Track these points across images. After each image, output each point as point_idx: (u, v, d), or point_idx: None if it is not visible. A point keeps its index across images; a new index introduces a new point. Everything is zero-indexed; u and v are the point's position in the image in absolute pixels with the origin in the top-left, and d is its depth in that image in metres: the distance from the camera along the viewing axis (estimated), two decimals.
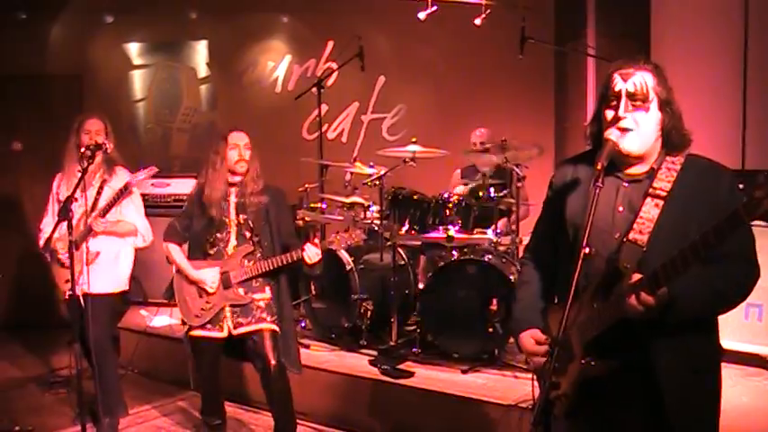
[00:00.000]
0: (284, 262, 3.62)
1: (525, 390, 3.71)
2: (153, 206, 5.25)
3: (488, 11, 5.45)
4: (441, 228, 4.50)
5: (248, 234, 3.72)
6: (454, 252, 4.61)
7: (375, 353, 4.53)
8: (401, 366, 4.29)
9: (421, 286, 4.65)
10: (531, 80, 6.21)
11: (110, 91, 7.12)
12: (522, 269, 2.33)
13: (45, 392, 4.83)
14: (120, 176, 4.01)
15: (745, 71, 5.01)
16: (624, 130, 1.94)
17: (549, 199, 2.21)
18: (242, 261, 3.69)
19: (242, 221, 3.71)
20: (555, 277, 2.16)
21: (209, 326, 3.67)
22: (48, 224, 4.03)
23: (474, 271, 4.35)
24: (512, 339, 4.10)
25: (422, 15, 5.54)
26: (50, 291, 4.13)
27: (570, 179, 2.11)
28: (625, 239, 1.94)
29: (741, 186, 1.92)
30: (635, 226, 1.94)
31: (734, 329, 4.00)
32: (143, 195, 4.22)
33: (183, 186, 5.78)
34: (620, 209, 2.00)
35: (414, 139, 4.75)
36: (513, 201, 4.68)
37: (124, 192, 3.92)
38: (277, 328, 3.68)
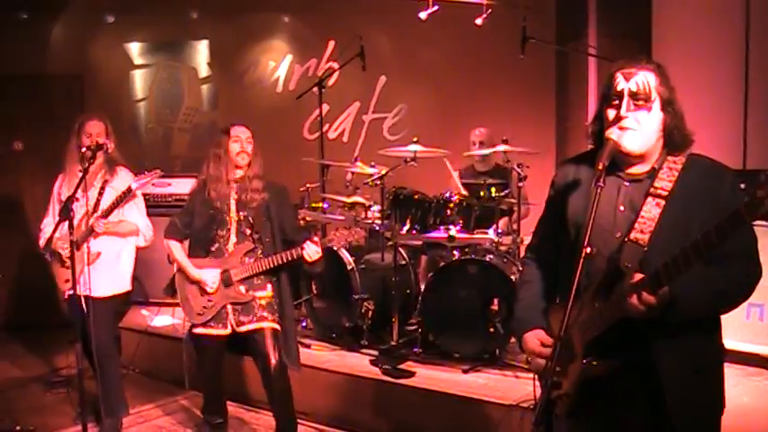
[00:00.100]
0: (284, 260, 3.63)
1: (526, 389, 3.73)
2: (154, 206, 5.25)
3: (489, 11, 5.45)
4: (442, 227, 4.50)
5: (248, 231, 3.72)
6: (455, 252, 4.61)
7: (376, 353, 4.53)
8: (402, 366, 4.29)
9: (422, 286, 4.65)
10: (533, 80, 6.22)
11: (111, 91, 7.13)
12: (524, 269, 2.33)
13: (46, 392, 4.83)
14: (122, 177, 4.01)
15: (747, 71, 5.01)
16: (626, 130, 1.94)
17: (551, 198, 2.21)
18: (242, 259, 3.69)
19: (242, 218, 3.71)
20: (557, 277, 2.16)
21: (212, 323, 3.67)
22: (48, 224, 4.04)
23: (475, 271, 4.35)
24: (513, 339, 4.11)
25: (423, 15, 5.53)
26: (51, 291, 4.13)
27: (572, 179, 2.11)
28: (626, 239, 1.94)
29: (743, 186, 1.92)
30: (636, 225, 1.94)
31: (735, 329, 4.00)
32: (144, 195, 4.21)
33: (183, 186, 5.78)
34: (622, 208, 2.00)
35: (415, 139, 4.75)
36: (514, 200, 4.68)
37: (127, 195, 3.92)
38: (278, 327, 3.68)
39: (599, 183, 1.87)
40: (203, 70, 7.26)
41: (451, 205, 4.51)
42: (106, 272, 3.94)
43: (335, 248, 4.58)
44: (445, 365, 4.33)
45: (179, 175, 6.13)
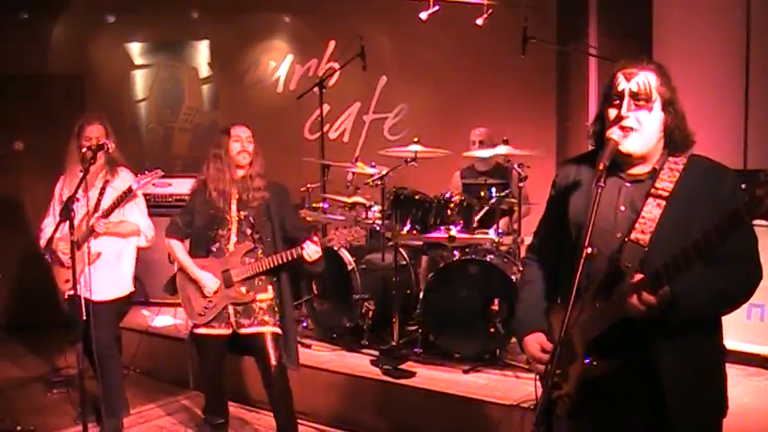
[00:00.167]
0: (284, 259, 3.62)
1: (527, 390, 3.73)
2: (154, 206, 5.26)
3: (490, 11, 5.45)
4: (442, 228, 4.50)
5: (249, 231, 3.71)
6: (456, 252, 4.62)
7: (377, 353, 4.53)
8: (403, 366, 4.29)
9: (422, 286, 4.65)
10: (533, 80, 6.22)
11: (111, 91, 7.13)
12: (525, 269, 2.33)
13: (47, 392, 4.83)
14: (123, 177, 4.01)
15: (748, 71, 5.00)
16: (627, 130, 1.94)
17: (552, 199, 2.21)
18: (243, 259, 3.69)
19: (243, 218, 3.70)
20: (558, 277, 2.17)
21: (214, 323, 3.67)
22: (49, 224, 4.04)
23: (476, 271, 4.35)
24: (513, 339, 4.10)
25: (423, 15, 5.54)
26: (52, 291, 4.13)
27: (573, 179, 2.11)
28: (627, 239, 1.94)
29: (743, 186, 1.92)
30: (637, 226, 1.94)
31: (736, 330, 4.00)
32: (144, 195, 4.22)
33: (184, 186, 5.76)
34: (622, 209, 2.00)
35: (415, 139, 4.75)
36: (514, 200, 4.68)
37: (128, 195, 3.92)
38: (279, 331, 3.68)
39: (599, 183, 1.87)
40: (204, 70, 7.26)
41: (452, 205, 4.51)
42: (107, 273, 3.94)
43: (336, 248, 4.58)
44: (446, 366, 4.33)
45: (180, 175, 6.12)
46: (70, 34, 6.97)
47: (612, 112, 1.98)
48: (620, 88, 1.96)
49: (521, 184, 4.60)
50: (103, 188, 3.92)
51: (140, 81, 7.27)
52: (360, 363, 4.45)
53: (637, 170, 2.02)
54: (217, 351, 3.75)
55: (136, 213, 4.05)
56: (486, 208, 4.60)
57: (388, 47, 6.76)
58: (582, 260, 1.83)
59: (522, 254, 3.49)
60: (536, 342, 2.10)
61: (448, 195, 4.56)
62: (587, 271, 1.89)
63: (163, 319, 5.41)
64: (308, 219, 5.26)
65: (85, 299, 3.71)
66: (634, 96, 1.94)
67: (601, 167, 1.88)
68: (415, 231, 4.59)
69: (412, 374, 4.18)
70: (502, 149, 4.66)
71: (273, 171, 3.85)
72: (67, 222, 3.42)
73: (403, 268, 4.76)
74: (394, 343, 4.53)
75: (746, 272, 1.92)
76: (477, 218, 4.56)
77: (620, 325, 1.88)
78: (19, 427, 4.15)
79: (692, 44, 5.21)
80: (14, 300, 6.47)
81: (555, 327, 2.08)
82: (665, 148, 2.01)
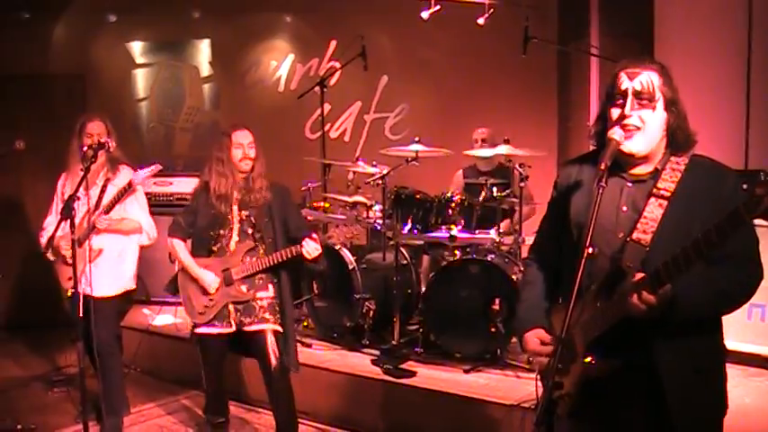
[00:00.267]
0: (284, 257, 3.63)
1: (528, 389, 3.73)
2: (156, 205, 5.25)
3: (491, 10, 5.44)
4: (443, 227, 4.50)
5: (250, 231, 3.72)
6: (457, 252, 4.62)
7: (377, 352, 4.53)
8: (403, 366, 4.29)
9: (423, 286, 4.65)
10: (535, 80, 6.21)
11: (113, 90, 7.13)
12: (527, 269, 2.33)
13: (47, 391, 4.83)
14: (124, 175, 4.02)
15: (749, 71, 5.00)
16: (630, 130, 1.94)
17: (554, 199, 2.21)
18: (243, 257, 3.69)
19: (244, 218, 3.71)
20: (559, 277, 2.17)
21: (216, 322, 3.67)
22: (51, 223, 4.04)
23: (476, 271, 4.35)
24: (514, 339, 4.11)
25: (425, 15, 5.53)
26: (53, 290, 4.13)
27: (574, 179, 2.11)
28: (628, 239, 1.94)
29: (745, 186, 1.92)
30: (638, 226, 1.94)
31: (737, 330, 4.00)
32: (146, 194, 4.22)
33: (185, 185, 5.78)
34: (624, 209, 2.00)
35: (416, 139, 4.75)
36: (515, 200, 4.68)
37: (128, 189, 3.93)
38: (280, 329, 3.68)
39: (601, 183, 1.87)
40: (205, 70, 7.26)
41: (453, 205, 4.51)
42: (109, 270, 3.95)
43: (336, 246, 4.58)
44: (446, 365, 4.33)
45: (181, 174, 6.13)
46: (71, 34, 6.97)
47: (615, 112, 1.97)
48: (623, 87, 1.96)
49: (521, 184, 4.60)
50: (104, 186, 3.93)
51: (141, 80, 7.27)
52: (360, 362, 4.45)
53: (639, 170, 2.02)
54: (218, 350, 3.75)
55: (136, 209, 4.06)
56: (487, 208, 4.60)
57: (389, 46, 6.76)
58: (583, 260, 1.83)
59: (524, 254, 3.49)
60: (535, 336, 2.11)
61: (449, 195, 4.56)
62: (589, 271, 1.88)
63: (164, 318, 5.41)
64: (308, 218, 5.26)
65: (86, 296, 3.70)
66: (637, 95, 1.94)
67: (602, 167, 1.88)
68: (415, 231, 4.59)
69: (413, 374, 4.18)
70: (503, 149, 4.66)
71: (274, 170, 3.86)
72: (68, 221, 3.42)
73: (404, 268, 4.76)
74: (395, 342, 4.53)
75: (747, 272, 1.93)
76: (476, 217, 4.55)
77: (622, 325, 1.88)
78: (20, 426, 4.15)
79: (693, 44, 5.20)
80: (15, 299, 6.46)
81: (556, 326, 2.09)
82: (667, 147, 2.01)
